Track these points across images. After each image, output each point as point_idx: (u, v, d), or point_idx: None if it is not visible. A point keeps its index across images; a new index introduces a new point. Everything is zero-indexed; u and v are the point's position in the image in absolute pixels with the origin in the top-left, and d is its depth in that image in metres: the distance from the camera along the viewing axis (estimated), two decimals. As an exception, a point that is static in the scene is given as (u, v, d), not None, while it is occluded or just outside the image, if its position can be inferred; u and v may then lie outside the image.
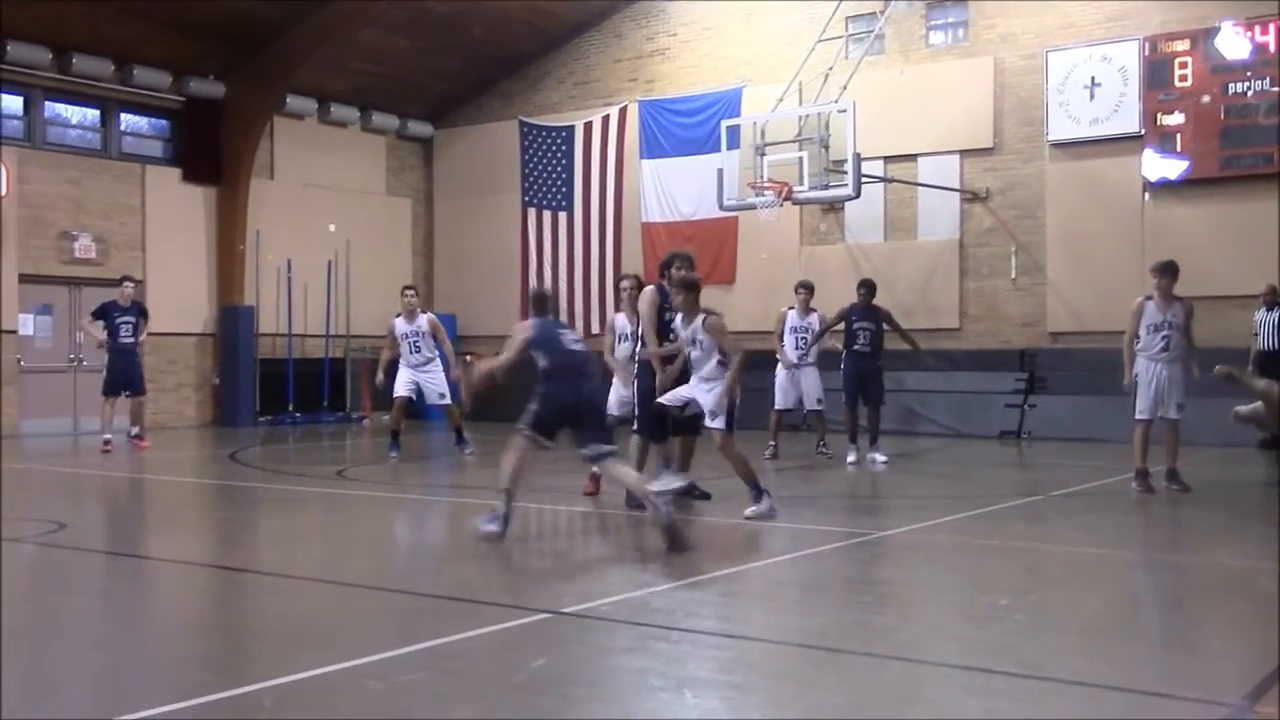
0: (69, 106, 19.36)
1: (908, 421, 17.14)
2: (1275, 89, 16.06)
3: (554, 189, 22.05)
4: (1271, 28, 16.10)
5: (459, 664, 5.03)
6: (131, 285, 16.11)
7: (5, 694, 4.82)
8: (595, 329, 20.42)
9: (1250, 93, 16.26)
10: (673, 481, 8.10)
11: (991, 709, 4.36)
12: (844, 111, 16.01)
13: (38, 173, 18.33)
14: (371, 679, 4.73)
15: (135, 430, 15.81)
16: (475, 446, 13.56)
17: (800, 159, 16.34)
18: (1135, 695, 4.54)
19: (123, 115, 19.80)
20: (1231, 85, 16.36)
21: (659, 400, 9.25)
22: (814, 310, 14.19)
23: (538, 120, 22.24)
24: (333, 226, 21.32)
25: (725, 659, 5.14)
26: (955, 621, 5.95)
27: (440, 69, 22.21)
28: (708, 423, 9.02)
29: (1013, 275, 18.05)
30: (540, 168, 22.16)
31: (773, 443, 13.95)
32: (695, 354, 9.02)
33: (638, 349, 9.98)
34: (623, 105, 21.36)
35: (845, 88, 16.87)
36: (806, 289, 14.25)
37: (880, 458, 13.21)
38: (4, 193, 17.16)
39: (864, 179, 16.36)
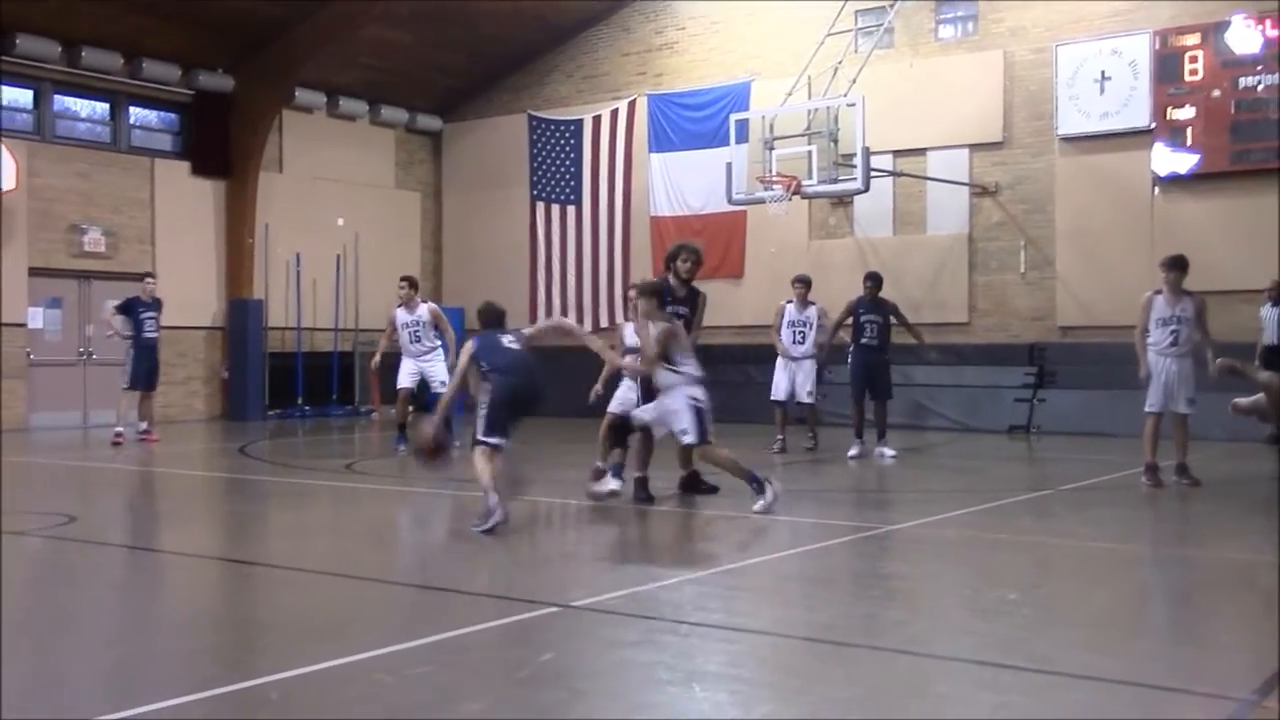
0: (78, 100, 19.39)
1: (916, 416, 17.12)
2: (1286, 83, 16.00)
3: (563, 183, 22.04)
4: (1283, 21, 16.03)
5: (467, 657, 5.04)
6: (154, 281, 16.28)
7: (14, 687, 4.84)
8: (604, 323, 20.45)
9: (1261, 87, 16.19)
10: (609, 484, 8.97)
11: (1001, 703, 4.35)
12: (853, 105, 15.99)
13: (47, 166, 18.36)
14: (380, 672, 4.73)
15: (144, 425, 15.85)
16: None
17: (809, 153, 16.32)
18: (1145, 690, 4.53)
19: (132, 108, 19.83)
20: (1242, 79, 16.30)
21: (621, 412, 9.83)
22: (812, 304, 14.22)
23: (546, 114, 22.23)
24: (341, 220, 21.33)
25: (733, 653, 5.14)
26: (964, 616, 5.94)
27: (449, 63, 22.20)
28: (681, 440, 9.22)
29: (1022, 269, 18.01)
30: (549, 161, 22.15)
31: (780, 436, 13.95)
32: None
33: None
34: (631, 99, 21.35)
35: (854, 82, 16.84)
36: (803, 283, 14.28)
37: (889, 452, 13.21)
38: (13, 186, 17.18)
39: (873, 173, 16.34)
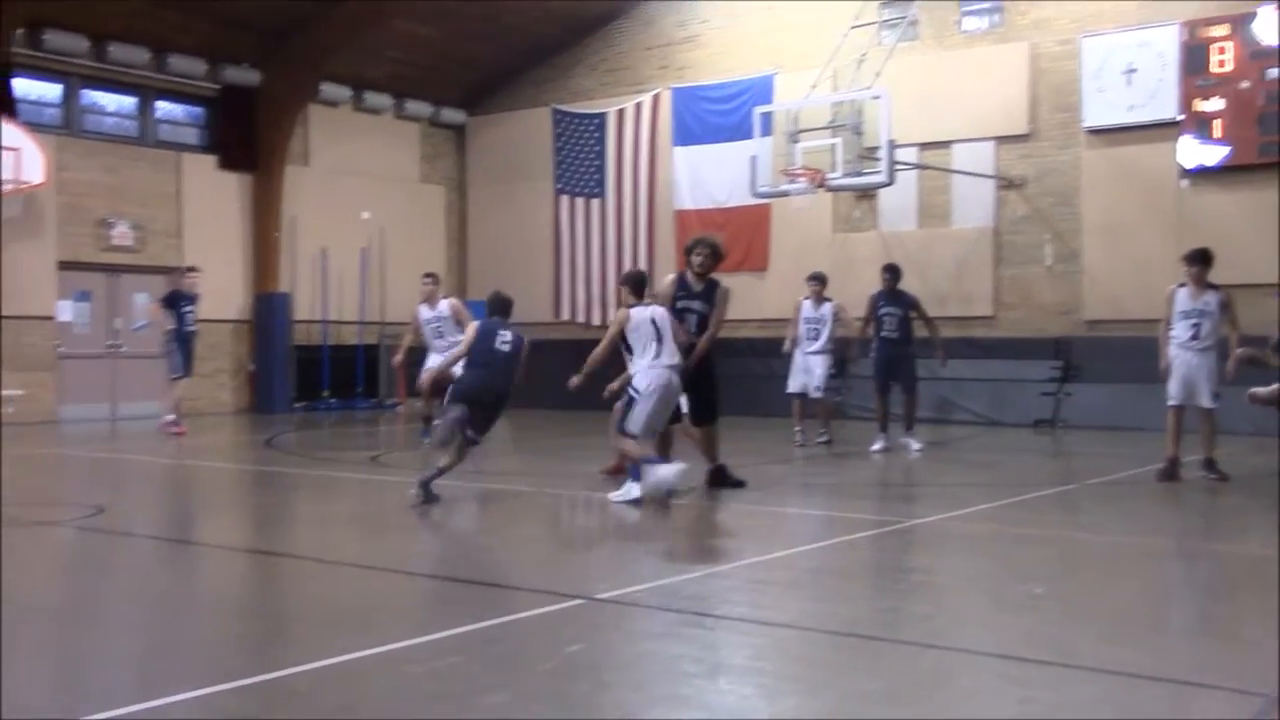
0: (106, 94, 19.52)
1: (941, 409, 17.07)
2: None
3: (587, 176, 22.06)
4: (1312, 12, 15.88)
5: (494, 649, 5.06)
6: (197, 275, 16.70)
7: (44, 675, 4.90)
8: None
9: (1289, 77, 16.03)
10: (632, 491, 8.95)
11: (1025, 697, 4.35)
12: (877, 98, 15.93)
13: (75, 160, 18.50)
14: (407, 663, 4.76)
15: (172, 417, 16.00)
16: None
17: (833, 146, 16.26)
18: (1170, 684, 4.52)
19: (159, 103, 19.95)
20: (1270, 70, 16.14)
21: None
22: (827, 300, 14.35)
23: (570, 108, 22.25)
24: (367, 214, 21.42)
25: (759, 646, 5.15)
26: (989, 610, 5.94)
27: (473, 56, 22.25)
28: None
29: (1048, 263, 17.91)
30: (573, 155, 22.17)
31: (798, 428, 14.02)
32: None
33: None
34: (655, 92, 21.33)
35: (879, 74, 16.78)
36: (818, 280, 14.42)
37: (914, 445, 13.19)
38: (42, 180, 17.32)
39: (897, 166, 16.27)
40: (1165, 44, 16.86)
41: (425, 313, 14.16)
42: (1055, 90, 17.81)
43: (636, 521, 8.90)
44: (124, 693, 4.54)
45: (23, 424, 17.11)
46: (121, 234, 18.93)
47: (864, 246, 18.96)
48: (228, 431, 17.19)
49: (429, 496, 9.06)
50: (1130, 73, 17.08)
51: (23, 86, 18.08)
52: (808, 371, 14.20)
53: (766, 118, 17.44)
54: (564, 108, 22.29)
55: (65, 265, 18.37)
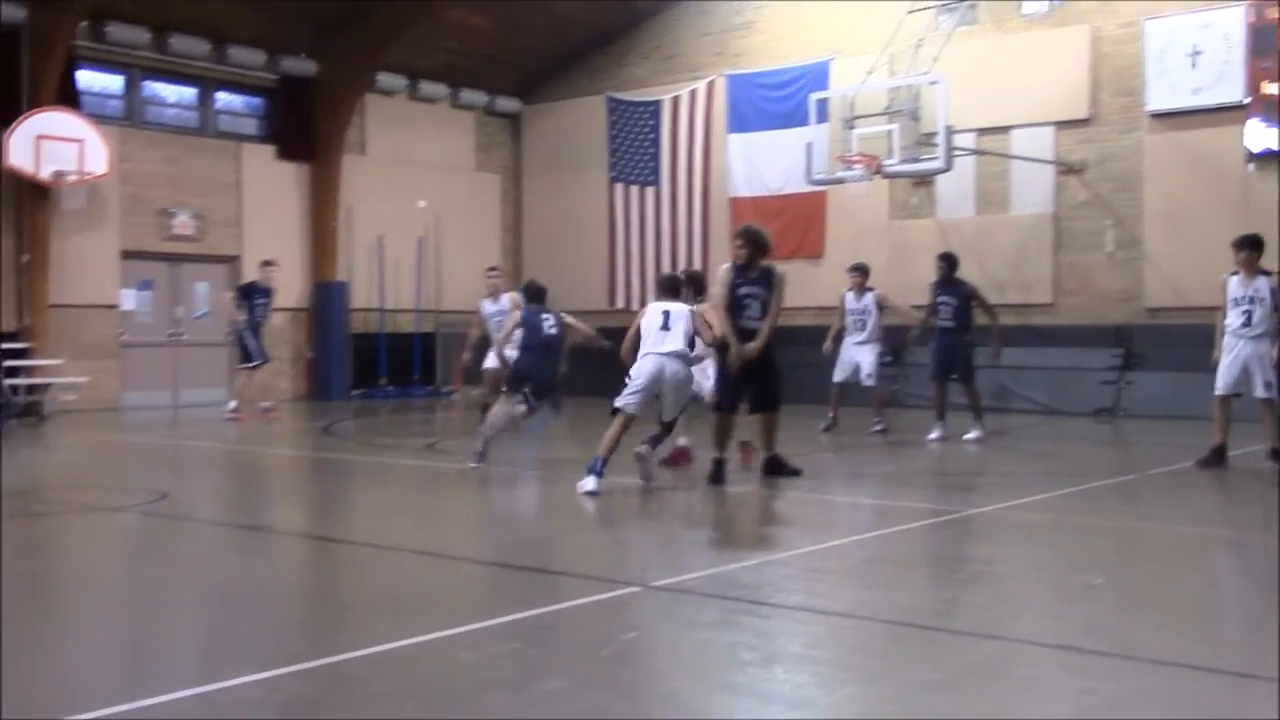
0: (167, 85, 19.76)
1: (1000, 398, 16.87)
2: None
3: (641, 164, 22.03)
4: (1384, -9, 15.51)
5: (549, 636, 5.09)
6: (275, 268, 17.12)
7: (111, 658, 4.99)
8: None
9: (1360, 59, 15.67)
10: (587, 484, 8.99)
11: (1086, 688, 4.30)
12: (935, 83, 15.77)
13: (138, 151, 18.76)
14: (462, 649, 4.79)
15: (235, 404, 16.27)
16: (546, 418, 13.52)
17: (890, 132, 16.12)
18: (1230, 676, 4.45)
19: (219, 94, 20.17)
20: (1341, 51, 15.79)
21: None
22: (870, 290, 14.33)
23: (625, 95, 22.22)
24: (423, 202, 21.53)
25: (814, 634, 5.13)
26: (1048, 600, 5.88)
27: (527, 45, 22.28)
28: None
29: (1109, 249, 17.65)
30: (627, 143, 22.15)
31: (831, 414, 14.09)
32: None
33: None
34: (710, 79, 21.25)
35: (936, 59, 16.61)
36: (860, 271, 14.43)
37: (968, 435, 13.04)
38: (106, 171, 17.59)
39: (955, 152, 16.11)
40: (1231, 25, 16.52)
41: (488, 307, 14.33)
42: (1117, 73, 17.53)
43: (692, 510, 8.90)
44: (188, 674, 4.60)
45: (87, 411, 17.44)
46: (182, 223, 19.18)
47: (921, 234, 18.79)
48: (286, 418, 17.38)
49: (483, 459, 10.37)
50: (1195, 55, 16.77)
51: (86, 79, 18.37)
52: (856, 362, 14.20)
53: (822, 104, 17.32)
54: (619, 95, 22.28)
55: (128, 254, 18.65)
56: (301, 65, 20.36)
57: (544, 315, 10.67)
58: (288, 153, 20.54)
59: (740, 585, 5.95)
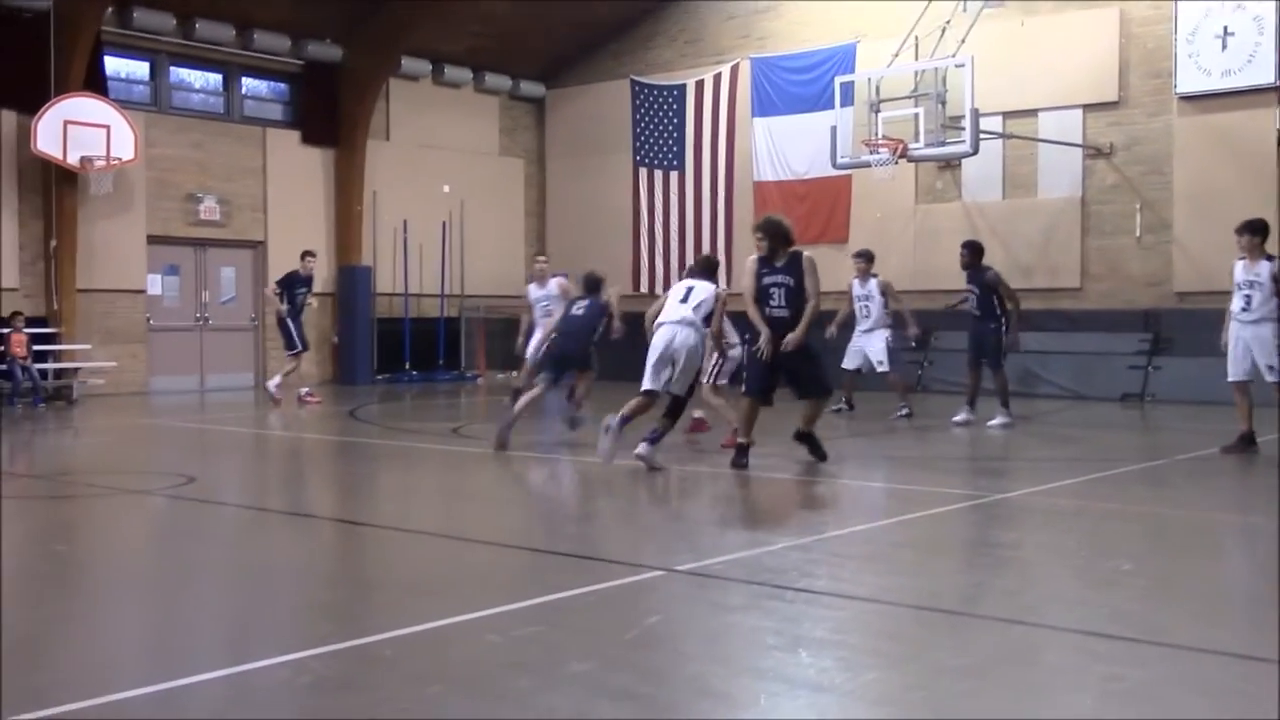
0: (192, 71, 19.85)
1: (1027, 383, 16.77)
2: None
3: (666, 148, 21.98)
4: None
5: (574, 619, 5.10)
6: (314, 259, 17.28)
7: (137, 640, 5.03)
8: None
9: (1395, 40, 15.46)
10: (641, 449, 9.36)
11: (1112, 674, 4.28)
12: (961, 66, 15.65)
13: (164, 136, 18.85)
14: (488, 632, 4.81)
15: (276, 382, 16.44)
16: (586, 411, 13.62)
17: (916, 115, 16.03)
18: (1259, 663, 4.41)
19: (244, 79, 20.24)
20: (1374, 33, 15.58)
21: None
22: (874, 277, 14.36)
23: (649, 79, 22.15)
24: (447, 187, 21.56)
25: (840, 619, 5.12)
26: (1075, 586, 5.84)
27: (551, 29, 22.24)
28: None
29: (1137, 233, 17.52)
30: (652, 127, 22.09)
31: (845, 398, 14.21)
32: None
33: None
34: (734, 63, 21.17)
35: (963, 41, 16.49)
36: (864, 258, 14.49)
37: (992, 420, 12.97)
38: (133, 156, 17.67)
39: (982, 135, 16.00)
40: (1263, 7, 16.33)
41: (535, 291, 14.49)
42: (1147, 55, 17.36)
43: (716, 494, 8.89)
44: (217, 656, 4.64)
45: (115, 395, 17.57)
46: (208, 208, 19.27)
47: (947, 218, 18.69)
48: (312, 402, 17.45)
49: (504, 445, 10.72)
50: (1226, 36, 16.59)
51: (113, 65, 18.44)
52: (864, 350, 14.24)
53: (847, 87, 17.23)
54: (643, 79, 22.21)
55: (154, 239, 18.76)
56: (326, 50, 20.39)
57: (580, 300, 11.52)
58: (313, 138, 20.59)
59: (764, 569, 5.94)
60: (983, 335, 13.40)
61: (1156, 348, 16.55)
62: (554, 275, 14.69)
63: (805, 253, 9.78)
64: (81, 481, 9.67)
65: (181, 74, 19.69)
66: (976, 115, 15.59)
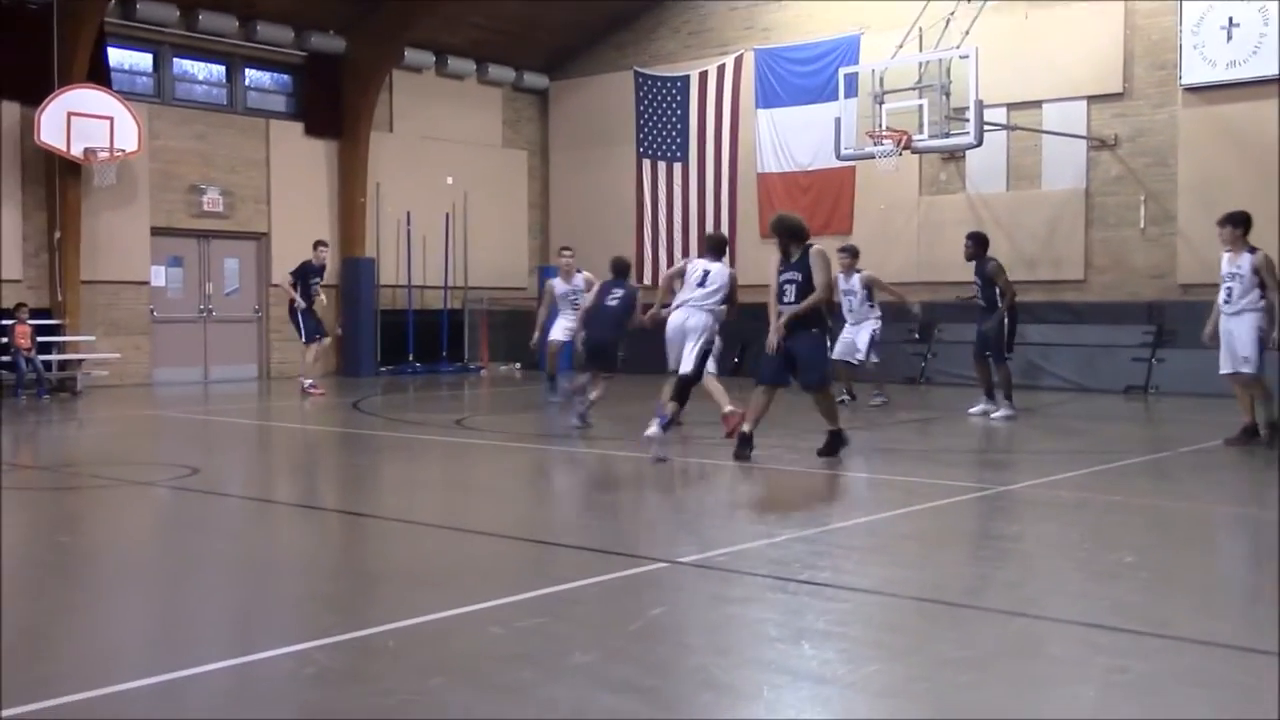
0: (196, 62, 19.84)
1: (1030, 375, 16.77)
2: None
3: (669, 140, 21.96)
4: None
5: (577, 610, 5.10)
6: (326, 249, 17.39)
7: (141, 631, 5.04)
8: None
9: (1401, 31, 15.41)
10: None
11: (1115, 666, 4.28)
12: (966, 58, 15.63)
13: (167, 128, 18.85)
14: (491, 623, 4.81)
15: (310, 381, 16.59)
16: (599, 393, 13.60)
17: (920, 107, 16.01)
18: (1262, 655, 4.41)
19: (247, 70, 20.23)
20: (1381, 24, 15.53)
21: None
22: (858, 272, 14.42)
23: (653, 71, 22.13)
24: (450, 179, 21.54)
25: (842, 611, 5.12)
26: (1078, 578, 5.84)
27: (555, 21, 22.21)
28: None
29: (1142, 225, 17.49)
30: (655, 118, 22.07)
31: (845, 390, 14.12)
32: None
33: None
34: (738, 54, 21.14)
35: (967, 33, 16.46)
36: (848, 253, 14.57)
37: (998, 413, 12.94)
38: (137, 148, 17.67)
39: (986, 127, 15.97)
40: (1268, -2, 16.29)
41: (560, 286, 14.55)
42: (1151, 47, 17.32)
43: (719, 485, 8.90)
44: (221, 647, 4.65)
45: (118, 386, 17.60)
46: (212, 200, 19.28)
47: (951, 209, 18.67)
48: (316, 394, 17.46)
49: (585, 423, 11.33)
50: (1231, 27, 16.54)
51: (116, 56, 18.44)
52: (848, 341, 14.32)
53: (851, 79, 17.19)
54: (647, 71, 22.19)
55: (158, 231, 18.76)
56: (330, 42, 20.37)
57: (613, 289, 11.77)
58: (316, 129, 20.58)
59: (767, 561, 5.95)
60: (986, 328, 13.38)
61: (1160, 340, 16.53)
62: (579, 271, 14.69)
63: (815, 246, 9.78)
64: (85, 473, 9.68)
65: (185, 65, 19.68)
66: (980, 107, 15.57)
